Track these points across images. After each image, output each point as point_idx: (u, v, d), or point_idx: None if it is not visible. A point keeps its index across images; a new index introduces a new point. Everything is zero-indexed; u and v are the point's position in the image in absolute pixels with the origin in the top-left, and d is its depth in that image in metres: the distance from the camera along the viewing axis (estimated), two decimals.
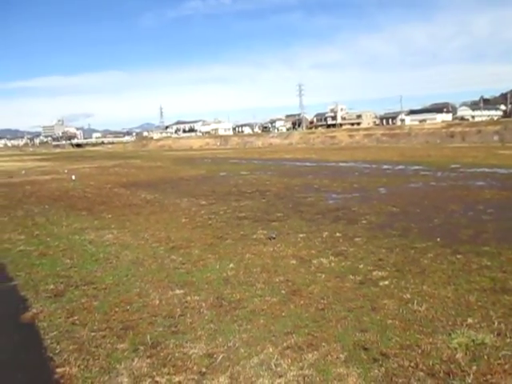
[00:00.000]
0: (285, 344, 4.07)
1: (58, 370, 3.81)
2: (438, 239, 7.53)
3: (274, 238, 7.93)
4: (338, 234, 8.20)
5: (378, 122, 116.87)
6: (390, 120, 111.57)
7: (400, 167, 23.12)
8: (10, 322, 4.95)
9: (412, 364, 3.64)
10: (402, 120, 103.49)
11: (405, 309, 4.72)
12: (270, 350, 3.98)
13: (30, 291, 5.82)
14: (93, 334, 4.47)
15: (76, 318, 4.88)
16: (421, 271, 5.93)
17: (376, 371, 3.57)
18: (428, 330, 4.22)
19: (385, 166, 23.86)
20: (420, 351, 3.84)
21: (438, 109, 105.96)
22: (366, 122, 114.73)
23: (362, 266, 6.23)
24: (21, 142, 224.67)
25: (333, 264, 6.40)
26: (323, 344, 4.03)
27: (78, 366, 3.84)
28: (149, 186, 18.43)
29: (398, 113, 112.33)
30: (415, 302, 4.87)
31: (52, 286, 5.97)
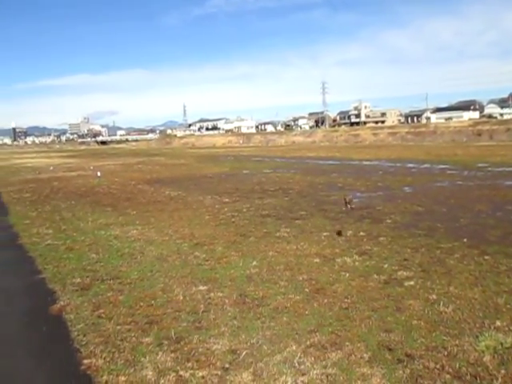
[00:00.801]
0: (308, 342, 4.06)
1: (85, 361, 3.89)
2: (465, 240, 7.37)
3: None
4: (361, 233, 8.11)
5: (402, 120, 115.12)
6: (415, 118, 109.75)
7: (425, 166, 22.72)
8: (40, 313, 5.08)
9: (438, 366, 3.58)
10: (428, 118, 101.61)
11: (430, 310, 4.64)
12: (294, 347, 3.97)
13: (57, 284, 5.96)
14: (118, 327, 4.54)
15: (102, 311, 4.97)
16: (447, 272, 5.82)
17: (401, 372, 3.52)
18: (454, 331, 4.14)
19: (410, 165, 23.49)
20: (446, 353, 3.76)
21: (464, 106, 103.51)
22: (391, 120, 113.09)
23: (386, 266, 6.15)
24: (48, 139, 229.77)
25: (357, 263, 6.34)
26: (347, 343, 4.00)
27: (104, 358, 3.91)
28: (172, 183, 18.62)
29: (424, 110, 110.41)
30: (441, 303, 4.79)
31: (79, 280, 6.09)
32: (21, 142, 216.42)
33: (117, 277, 6.16)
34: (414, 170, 21.02)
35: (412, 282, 5.48)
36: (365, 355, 3.79)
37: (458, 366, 3.56)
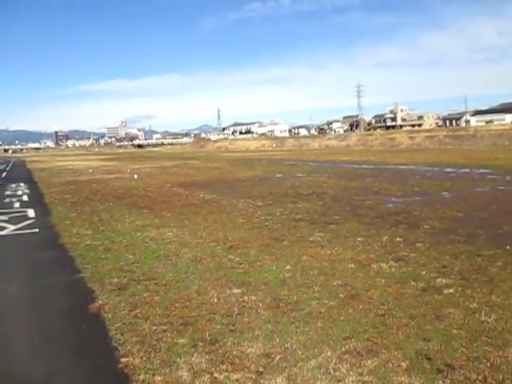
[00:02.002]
0: (343, 348, 4.00)
1: (123, 359, 3.97)
2: (508, 247, 7.09)
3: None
4: (398, 239, 7.94)
5: (440, 123, 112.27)
6: (454, 121, 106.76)
7: (465, 170, 22.05)
8: (80, 311, 5.23)
9: (480, 377, 3.45)
10: (467, 121, 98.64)
11: (471, 319, 4.49)
12: (328, 353, 3.92)
13: (96, 283, 6.12)
14: (154, 327, 4.62)
15: (138, 311, 5.07)
16: (489, 280, 5.61)
17: (440, 382, 3.42)
18: (497, 342, 3.98)
19: (448, 169, 22.85)
20: (488, 364, 3.63)
21: (506, 109, 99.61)
22: (428, 124, 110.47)
23: (424, 273, 5.99)
24: (87, 143, 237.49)
25: (393, 269, 6.21)
26: (383, 351, 3.92)
27: (141, 358, 3.99)
28: (206, 186, 18.82)
29: (463, 113, 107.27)
30: (483, 312, 4.62)
31: (116, 280, 6.24)
32: (62, 145, 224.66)
33: (152, 278, 6.27)
34: (452, 174, 20.43)
35: (451, 290, 5.31)
36: (402, 364, 3.70)
37: (501, 377, 3.43)
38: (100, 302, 5.39)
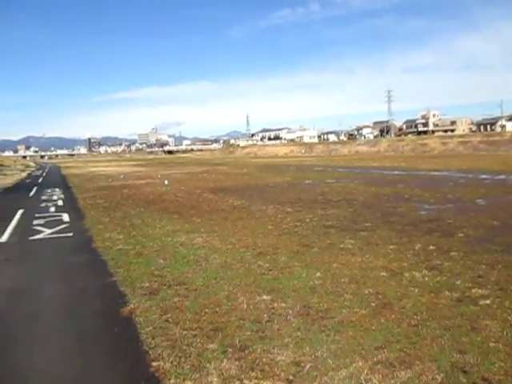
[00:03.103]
0: (375, 359, 3.92)
1: (154, 363, 4.01)
2: None
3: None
4: (431, 247, 7.75)
5: (474, 128, 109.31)
6: (489, 126, 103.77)
7: (500, 177, 21.37)
8: (112, 314, 5.32)
9: None
10: (503, 126, 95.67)
11: (510, 331, 4.31)
12: (360, 363, 3.85)
13: (127, 287, 6.22)
14: (184, 332, 4.65)
15: (169, 315, 5.12)
16: None
17: None
18: None
19: (483, 176, 22.20)
20: None
21: None
22: (461, 129, 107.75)
23: (459, 282, 5.82)
24: (119, 149, 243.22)
25: (426, 278, 6.05)
26: (417, 362, 3.82)
27: (171, 362, 4.01)
28: (235, 191, 18.91)
29: (498, 118, 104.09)
30: None
31: (147, 284, 6.32)
32: (95, 152, 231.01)
33: (183, 283, 6.32)
34: (487, 181, 19.83)
35: (488, 301, 5.13)
36: (437, 376, 3.59)
37: None
38: (132, 306, 5.48)
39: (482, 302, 5.11)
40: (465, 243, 8.03)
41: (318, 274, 6.40)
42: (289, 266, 6.94)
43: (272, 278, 6.39)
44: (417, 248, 7.74)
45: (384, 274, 6.33)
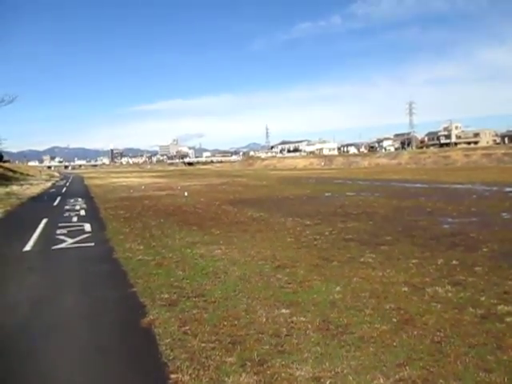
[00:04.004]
0: (397, 376, 3.82)
1: (172, 376, 4.00)
2: None
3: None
4: (454, 262, 7.58)
5: (498, 140, 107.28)
6: None
7: None
8: (132, 325, 5.34)
9: None
10: None
11: None
12: (381, 380, 3.77)
13: (147, 298, 6.25)
14: (203, 344, 4.63)
15: (188, 327, 5.11)
16: None
17: None
18: None
19: (508, 189, 21.71)
20: None
21: None
22: (485, 141, 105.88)
23: (483, 299, 5.66)
24: (140, 160, 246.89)
25: (449, 294, 5.91)
26: (441, 381, 3.71)
27: (190, 375, 4.00)
28: (255, 204, 18.91)
29: None
30: None
31: (166, 296, 6.34)
32: (117, 162, 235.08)
33: (202, 295, 6.32)
34: None
35: None
36: None
37: None
38: (151, 317, 5.49)
39: (508, 319, 4.96)
40: (489, 258, 7.83)
41: (338, 288, 6.32)
42: (308, 279, 6.88)
43: (291, 291, 6.34)
44: (439, 263, 7.58)
45: (405, 289, 6.21)
